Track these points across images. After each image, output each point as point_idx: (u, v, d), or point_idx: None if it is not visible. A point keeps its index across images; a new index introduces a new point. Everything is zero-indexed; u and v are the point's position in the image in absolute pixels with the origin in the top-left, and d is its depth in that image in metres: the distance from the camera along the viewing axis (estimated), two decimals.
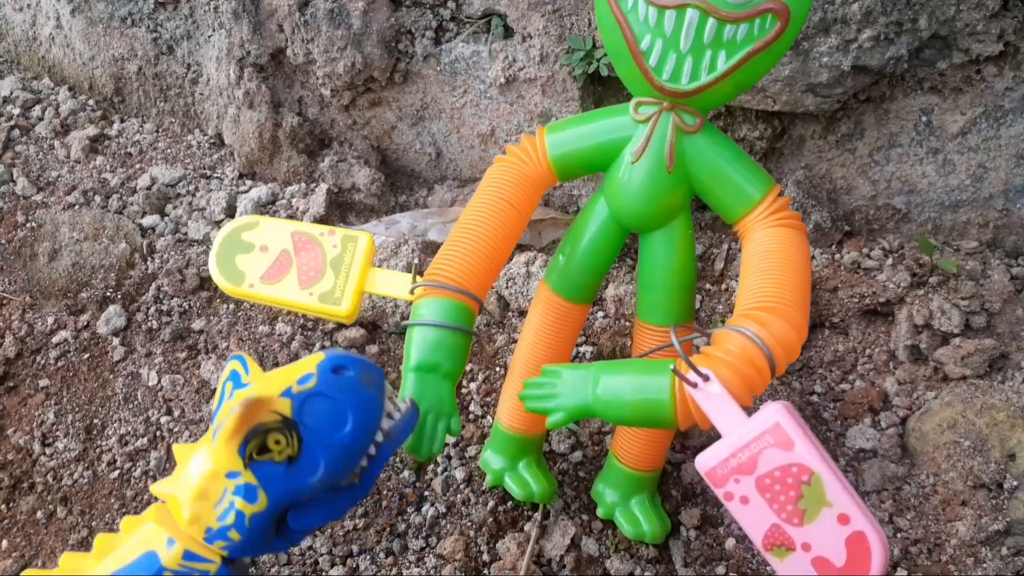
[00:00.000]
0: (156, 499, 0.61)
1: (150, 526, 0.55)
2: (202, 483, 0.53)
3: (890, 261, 1.02)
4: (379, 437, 0.57)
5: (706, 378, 0.58)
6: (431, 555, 0.84)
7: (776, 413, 0.56)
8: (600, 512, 0.84)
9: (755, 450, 0.56)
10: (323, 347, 1.02)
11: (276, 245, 0.71)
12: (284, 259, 0.71)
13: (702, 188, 0.68)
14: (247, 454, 0.53)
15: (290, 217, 1.17)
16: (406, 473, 0.91)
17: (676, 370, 0.59)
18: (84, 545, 0.84)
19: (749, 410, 0.57)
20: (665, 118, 0.66)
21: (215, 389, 0.96)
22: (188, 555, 0.54)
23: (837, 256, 1.05)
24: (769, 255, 0.64)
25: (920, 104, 0.98)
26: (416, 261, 1.05)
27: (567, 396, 0.64)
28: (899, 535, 0.84)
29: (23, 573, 0.56)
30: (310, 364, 0.55)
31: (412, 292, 0.68)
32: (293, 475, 0.53)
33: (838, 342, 1.02)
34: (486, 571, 0.83)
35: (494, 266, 0.68)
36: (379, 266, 1.06)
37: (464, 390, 0.98)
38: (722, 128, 1.05)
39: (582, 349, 1.02)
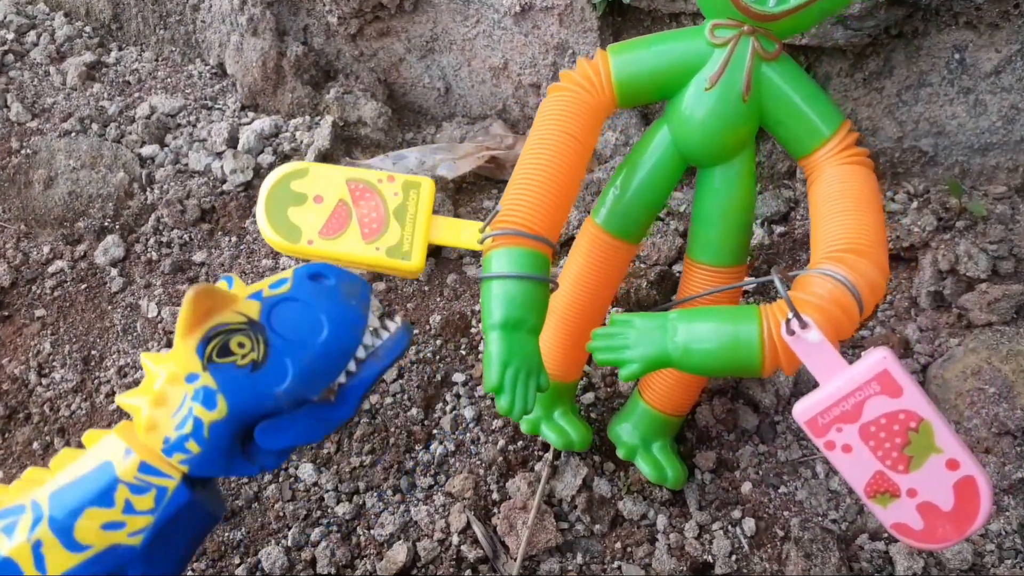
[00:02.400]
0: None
1: (111, 437, 0.51)
2: (162, 387, 0.49)
3: (915, 205, 0.99)
4: (360, 353, 0.52)
5: (805, 324, 0.55)
6: (440, 493, 0.82)
7: (884, 359, 0.53)
8: (620, 453, 0.81)
9: (860, 397, 0.54)
10: None
11: (332, 195, 0.65)
12: (342, 210, 0.65)
13: (773, 120, 0.65)
14: (206, 354, 0.49)
15: (293, 151, 1.13)
16: (414, 411, 0.88)
17: (769, 318, 0.57)
18: None
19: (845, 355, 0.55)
20: (744, 43, 0.62)
21: None
22: (144, 467, 0.50)
23: None
24: (845, 195, 0.61)
25: (953, 40, 0.94)
26: None
27: (642, 346, 0.60)
28: None
29: None
30: (287, 271, 0.52)
31: (482, 242, 0.64)
32: (258, 382, 0.49)
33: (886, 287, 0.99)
34: (496, 510, 0.81)
35: (564, 207, 0.64)
36: None
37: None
38: None
39: None
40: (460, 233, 0.66)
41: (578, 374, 0.83)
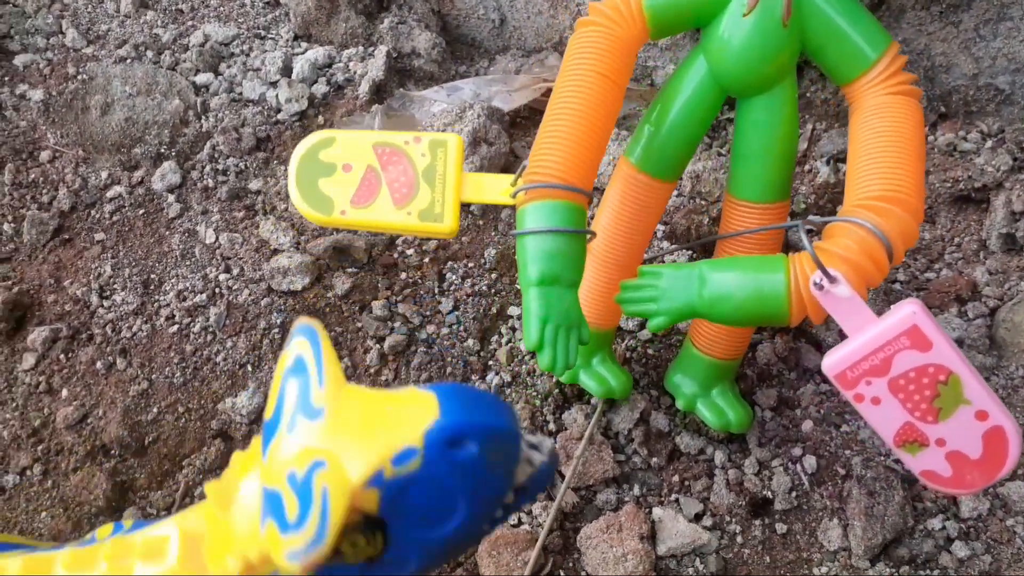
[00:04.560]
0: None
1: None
2: (244, 564, 0.39)
3: (989, 144, 0.95)
4: (498, 513, 0.42)
5: (834, 280, 0.54)
6: None
7: (914, 315, 0.53)
8: (680, 404, 0.80)
9: (889, 352, 0.53)
10: None
11: (360, 162, 0.64)
12: (372, 177, 0.64)
13: (815, 46, 0.62)
14: None
15: (347, 81, 1.12)
16: (470, 342, 0.88)
17: (796, 269, 0.56)
18: (144, 397, 0.83)
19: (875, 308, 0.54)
20: None
21: (275, 249, 0.93)
22: None
23: (931, 138, 0.98)
24: (884, 133, 0.58)
25: None
26: (481, 126, 1.00)
27: (671, 298, 0.59)
28: None
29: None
30: (415, 426, 0.37)
31: (514, 196, 0.61)
32: (371, 571, 0.40)
33: (925, 230, 0.96)
34: (553, 440, 0.81)
35: (598, 152, 0.61)
36: (444, 131, 1.01)
37: None
38: None
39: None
40: (492, 189, 0.64)
41: (616, 320, 0.81)
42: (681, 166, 0.71)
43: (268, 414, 0.41)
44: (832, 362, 0.55)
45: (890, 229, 0.55)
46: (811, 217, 0.65)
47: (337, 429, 0.38)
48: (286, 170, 1.02)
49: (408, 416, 0.37)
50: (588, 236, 0.61)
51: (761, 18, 0.60)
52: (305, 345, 0.40)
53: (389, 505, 0.37)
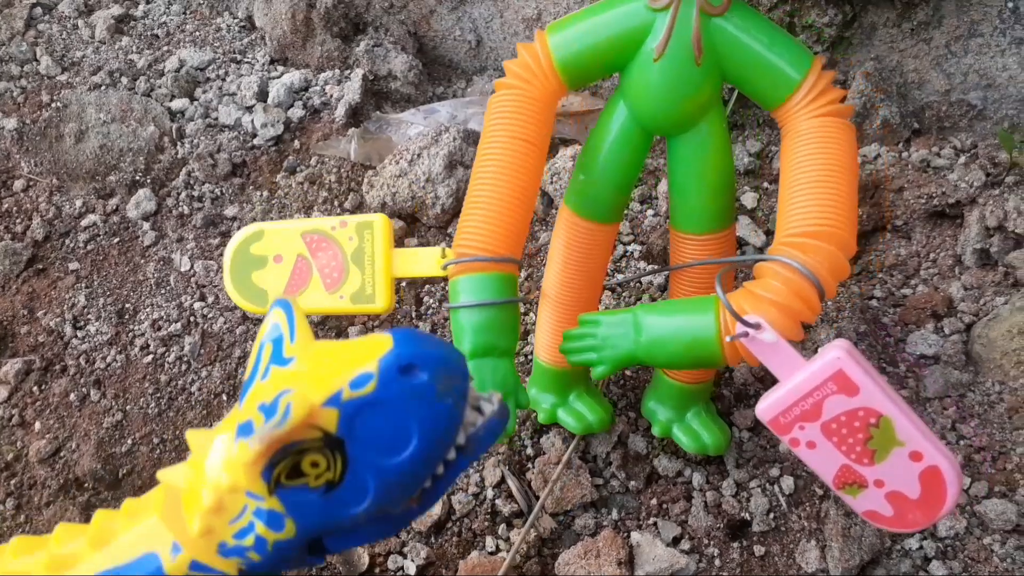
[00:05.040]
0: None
1: (154, 521, 0.44)
2: (216, 495, 0.42)
3: (962, 160, 0.96)
4: (451, 455, 0.44)
5: (757, 326, 0.53)
6: None
7: (838, 360, 0.52)
8: (656, 431, 0.79)
9: (818, 397, 0.53)
10: None
11: (290, 252, 0.65)
12: (303, 266, 0.65)
13: (736, 77, 0.60)
14: (273, 479, 0.41)
15: (323, 105, 1.12)
16: None
17: (725, 314, 0.55)
18: (119, 428, 0.83)
19: (803, 345, 0.54)
20: (687, 2, 0.56)
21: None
22: (196, 565, 0.43)
23: (904, 154, 0.99)
24: (812, 161, 0.57)
25: None
26: (456, 148, 1.00)
27: (610, 346, 0.60)
28: (962, 442, 0.80)
29: (13, 539, 0.47)
30: (371, 355, 0.41)
31: (445, 268, 0.62)
32: (332, 503, 0.42)
33: (900, 246, 0.96)
34: (530, 465, 0.80)
35: (524, 218, 0.61)
36: (419, 156, 1.01)
37: None
38: (787, 13, 0.98)
39: (630, 248, 0.97)
40: (422, 263, 0.64)
41: None
42: (619, 208, 0.70)
43: (246, 376, 0.45)
44: (764, 408, 0.55)
45: (818, 266, 0.54)
46: (735, 258, 0.64)
47: (305, 368, 0.42)
48: (262, 195, 1.02)
49: (366, 350, 0.41)
50: (521, 301, 0.61)
51: (673, 60, 0.58)
52: (281, 315, 0.45)
53: (347, 424, 0.40)
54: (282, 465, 0.40)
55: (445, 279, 0.71)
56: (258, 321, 0.89)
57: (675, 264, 0.70)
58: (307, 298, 0.64)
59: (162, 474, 0.44)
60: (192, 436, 0.44)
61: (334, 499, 0.42)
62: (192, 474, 0.44)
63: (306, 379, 0.41)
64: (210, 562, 0.44)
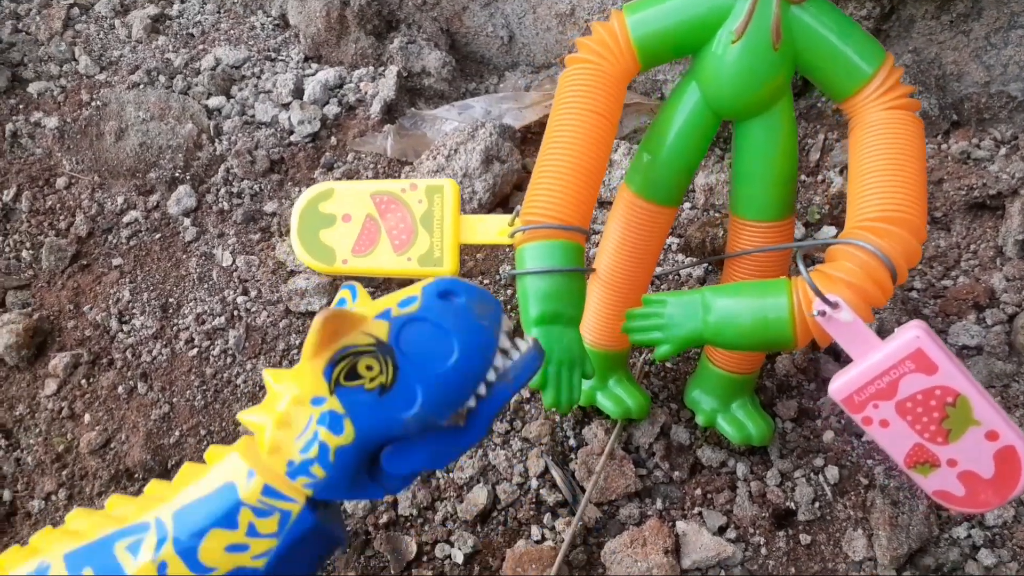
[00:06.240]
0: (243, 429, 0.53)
1: (233, 456, 0.49)
2: (286, 409, 0.47)
3: (1003, 152, 0.95)
4: (491, 376, 0.49)
5: (835, 305, 0.54)
6: (516, 438, 0.82)
7: (917, 339, 0.52)
8: (700, 420, 0.80)
9: (894, 376, 0.53)
10: None
11: (359, 212, 0.66)
12: (371, 226, 0.66)
13: (809, 66, 0.61)
14: (333, 378, 0.46)
15: (358, 102, 1.13)
16: None
17: (799, 294, 0.56)
18: (166, 420, 0.84)
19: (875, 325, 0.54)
20: None
21: (292, 271, 0.93)
22: (268, 490, 0.48)
23: (944, 146, 0.98)
24: (883, 150, 0.58)
25: None
26: (494, 143, 1.00)
27: (676, 326, 0.60)
28: None
29: (110, 498, 0.52)
30: (416, 287, 0.48)
31: (512, 236, 0.62)
32: (386, 406, 0.47)
33: (940, 237, 0.96)
34: (573, 456, 0.81)
35: (593, 189, 0.61)
36: (456, 151, 1.02)
37: None
38: None
39: (668, 240, 0.97)
40: (489, 230, 0.65)
41: (628, 341, 0.81)
42: (681, 191, 0.70)
43: None
44: (838, 387, 0.55)
45: (892, 250, 0.54)
46: (811, 240, 0.65)
47: (366, 306, 0.50)
48: (300, 192, 1.03)
49: (413, 286, 0.49)
50: (587, 272, 0.62)
51: (751, 43, 0.59)
52: (346, 293, 0.52)
53: (396, 335, 0.47)
54: (342, 365, 0.46)
55: (510, 248, 0.71)
56: (302, 315, 0.90)
57: (733, 250, 0.70)
58: (374, 259, 0.65)
59: (242, 415, 0.49)
60: (268, 373, 0.49)
61: (387, 402, 0.47)
62: (265, 409, 0.49)
63: (362, 308, 0.49)
64: (280, 486, 0.48)
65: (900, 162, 0.57)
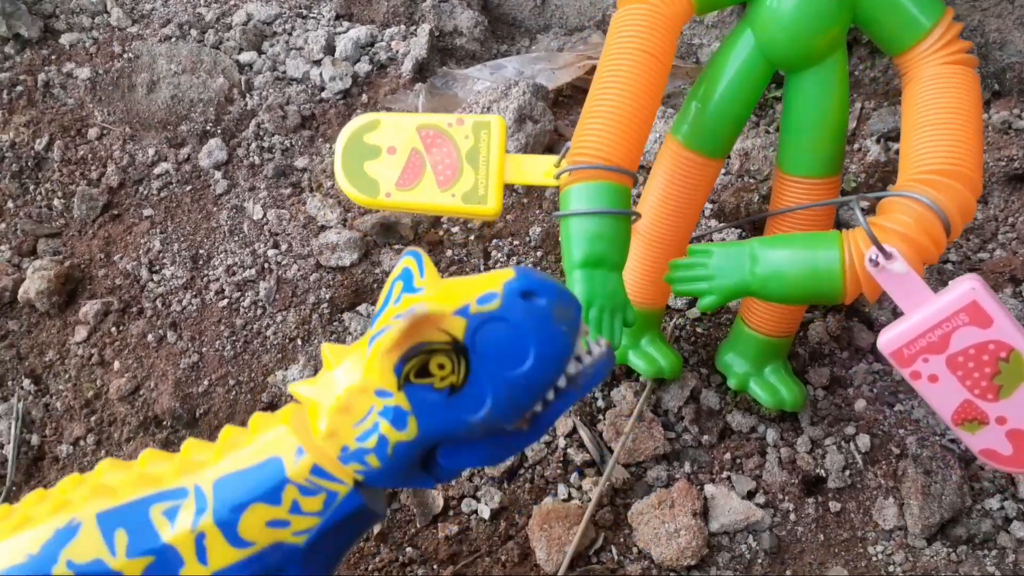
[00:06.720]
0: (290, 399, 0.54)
1: (282, 429, 0.48)
2: (346, 395, 0.45)
3: None
4: (562, 381, 0.47)
5: (890, 256, 0.53)
6: None
7: (973, 291, 0.51)
8: (732, 383, 0.79)
9: (947, 329, 0.52)
10: None
11: (404, 144, 0.64)
12: (416, 159, 0.64)
13: (867, 15, 0.60)
14: (404, 374, 0.44)
15: (390, 60, 1.12)
16: None
17: (851, 245, 0.55)
18: (195, 369, 0.84)
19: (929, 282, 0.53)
20: None
21: (323, 226, 0.93)
22: (317, 470, 0.47)
23: (985, 116, 0.96)
24: (940, 104, 0.57)
25: None
26: (527, 102, 0.99)
27: (722, 276, 0.59)
28: None
29: (143, 452, 0.50)
30: (496, 281, 0.45)
31: (558, 177, 0.61)
32: (453, 407, 0.45)
33: (977, 209, 0.95)
34: (601, 417, 0.80)
35: (643, 132, 0.60)
36: (488, 109, 1.01)
37: None
38: None
39: None
40: (535, 170, 0.63)
41: (665, 300, 0.80)
42: (729, 143, 0.69)
43: (377, 308, 0.49)
44: (888, 339, 0.54)
45: (948, 203, 0.54)
46: (866, 192, 0.64)
47: (435, 292, 0.46)
48: (331, 148, 1.02)
49: (491, 279, 0.46)
50: (633, 217, 0.61)
51: None
52: (411, 261, 0.49)
53: (472, 334, 0.44)
54: (414, 361, 0.44)
55: (556, 190, 0.70)
56: (332, 270, 0.90)
57: (777, 207, 0.69)
58: (418, 193, 0.64)
59: (293, 386, 0.47)
60: (327, 348, 0.47)
61: (455, 403, 0.45)
62: (321, 384, 0.46)
63: (438, 297, 0.45)
64: (330, 468, 0.46)
65: (958, 116, 0.56)
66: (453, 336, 0.44)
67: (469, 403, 0.45)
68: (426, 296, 0.46)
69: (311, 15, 1.19)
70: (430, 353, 0.44)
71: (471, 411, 0.45)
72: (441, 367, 0.44)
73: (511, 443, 0.48)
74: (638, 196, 0.88)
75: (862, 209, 0.55)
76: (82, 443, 0.81)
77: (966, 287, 0.52)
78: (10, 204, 0.96)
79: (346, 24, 1.17)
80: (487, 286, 0.45)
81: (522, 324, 0.44)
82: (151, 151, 1.01)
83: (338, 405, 0.45)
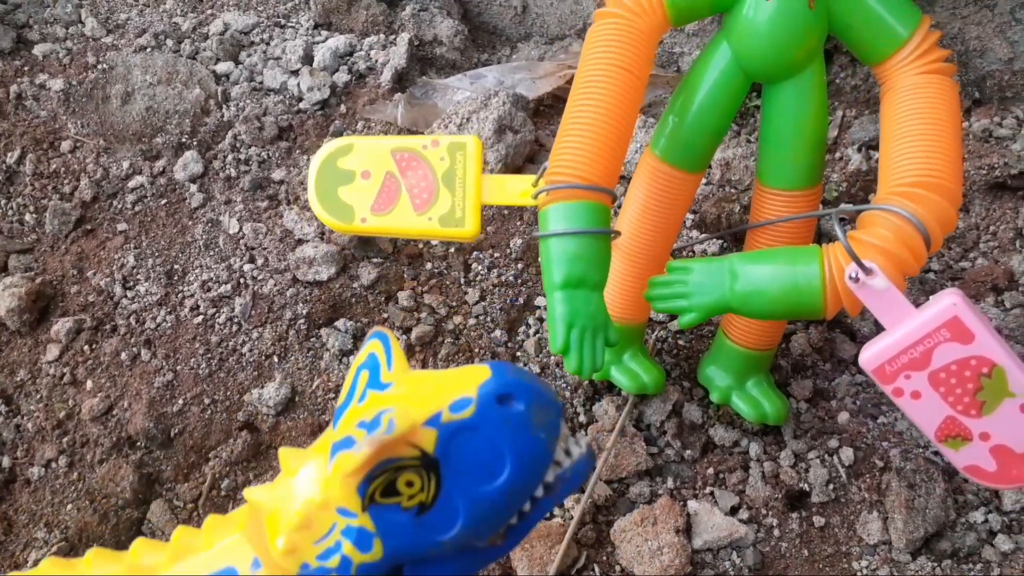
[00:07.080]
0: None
1: (236, 538, 0.45)
2: (306, 511, 0.42)
3: None
4: (539, 491, 0.44)
5: (870, 272, 0.52)
6: None
7: (954, 306, 0.51)
8: (714, 397, 0.78)
9: (929, 345, 0.52)
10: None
11: (378, 168, 0.63)
12: (391, 183, 0.63)
13: (843, 26, 0.60)
14: (368, 495, 0.41)
15: (369, 70, 1.10)
16: (498, 332, 0.87)
17: (831, 261, 0.54)
18: (170, 388, 0.82)
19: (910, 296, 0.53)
20: None
21: (300, 239, 0.92)
22: None
23: (965, 124, 0.96)
24: (919, 114, 0.56)
25: None
26: (507, 113, 0.98)
27: (702, 293, 0.58)
28: None
29: (90, 552, 0.47)
30: (470, 383, 0.42)
31: (536, 197, 0.60)
32: (422, 527, 0.42)
33: (959, 218, 0.94)
34: (583, 432, 0.79)
35: (620, 149, 0.59)
36: (468, 120, 1.00)
37: None
38: None
39: None
40: (513, 190, 0.63)
41: (646, 315, 0.79)
42: (707, 156, 0.69)
43: (340, 401, 0.45)
44: (870, 356, 0.54)
45: (927, 216, 0.53)
46: (844, 206, 0.63)
47: (403, 391, 0.43)
48: (309, 160, 1.01)
49: (464, 378, 0.42)
50: (612, 235, 0.60)
51: (787, 2, 0.58)
52: (378, 345, 0.45)
53: (444, 446, 0.41)
54: (379, 480, 0.41)
55: (532, 210, 0.69)
56: (309, 284, 0.88)
57: (758, 220, 0.68)
58: (394, 218, 0.63)
59: (249, 492, 0.44)
60: (284, 454, 0.44)
61: (425, 522, 0.42)
62: (279, 493, 0.43)
63: (406, 400, 0.42)
64: None
65: (936, 127, 0.55)
66: (423, 450, 0.41)
67: (439, 522, 0.42)
68: (394, 395, 0.43)
69: (289, 24, 1.17)
70: (397, 471, 0.41)
71: (441, 531, 0.42)
72: (409, 484, 0.41)
73: (483, 557, 0.45)
74: (619, 207, 0.87)
75: (841, 220, 0.55)
76: (54, 465, 0.80)
77: (947, 302, 0.51)
78: None
79: (324, 33, 1.16)
80: (460, 389, 0.41)
81: (498, 434, 0.41)
82: (125, 164, 0.99)
83: (297, 522, 0.42)
